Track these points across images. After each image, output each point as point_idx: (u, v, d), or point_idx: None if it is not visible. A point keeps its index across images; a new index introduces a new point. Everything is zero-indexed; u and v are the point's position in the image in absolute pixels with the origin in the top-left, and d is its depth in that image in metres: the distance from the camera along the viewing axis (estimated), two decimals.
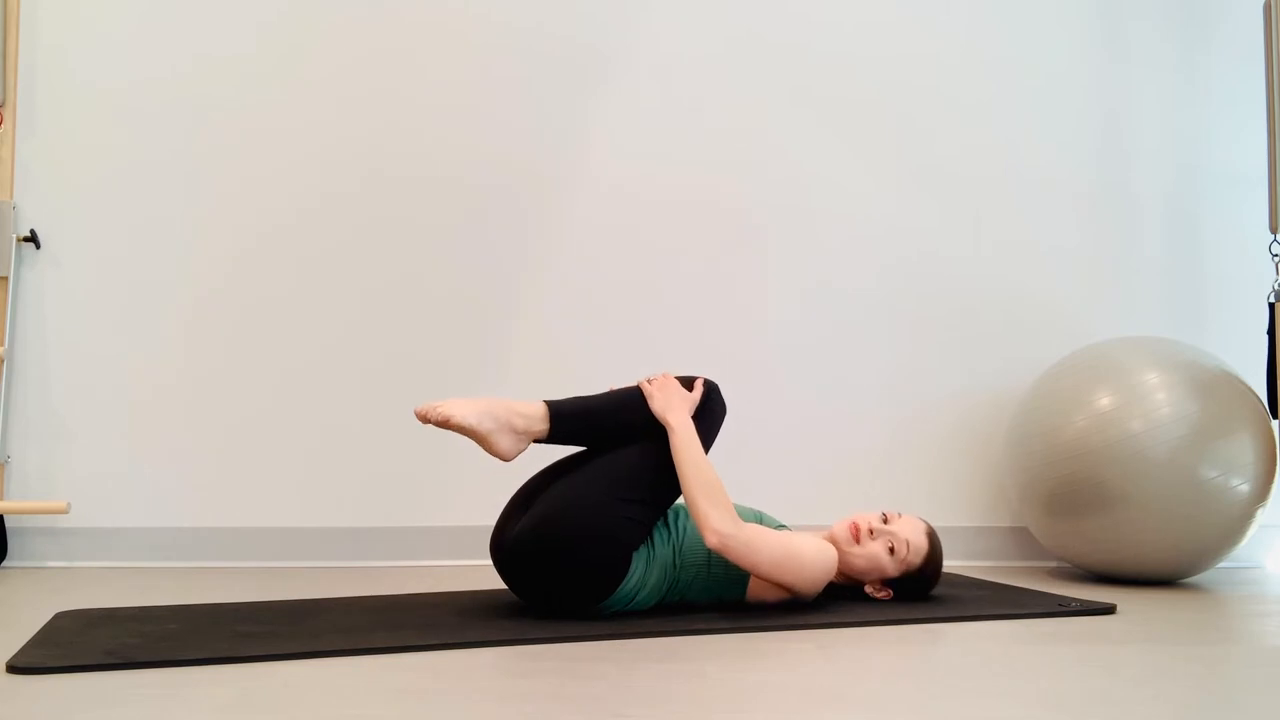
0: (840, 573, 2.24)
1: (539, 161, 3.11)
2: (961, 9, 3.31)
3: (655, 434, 2.12)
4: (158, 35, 2.99)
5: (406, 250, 3.05)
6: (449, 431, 2.06)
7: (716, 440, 2.23)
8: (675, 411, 2.12)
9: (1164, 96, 3.38)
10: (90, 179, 2.95)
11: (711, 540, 2.05)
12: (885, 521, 2.26)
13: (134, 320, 2.94)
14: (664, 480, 2.10)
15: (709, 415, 2.20)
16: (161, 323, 2.95)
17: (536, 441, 2.11)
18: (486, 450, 2.07)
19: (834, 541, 2.24)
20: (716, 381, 2.25)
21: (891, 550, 2.23)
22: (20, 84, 2.93)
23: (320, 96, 3.04)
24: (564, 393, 2.19)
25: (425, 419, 2.02)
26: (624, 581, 2.04)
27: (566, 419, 2.10)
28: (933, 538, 2.28)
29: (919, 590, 2.29)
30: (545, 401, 2.12)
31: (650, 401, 2.14)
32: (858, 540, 2.24)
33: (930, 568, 2.27)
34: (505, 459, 2.08)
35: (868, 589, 2.28)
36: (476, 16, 3.10)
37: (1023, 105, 3.32)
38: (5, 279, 2.87)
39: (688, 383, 2.21)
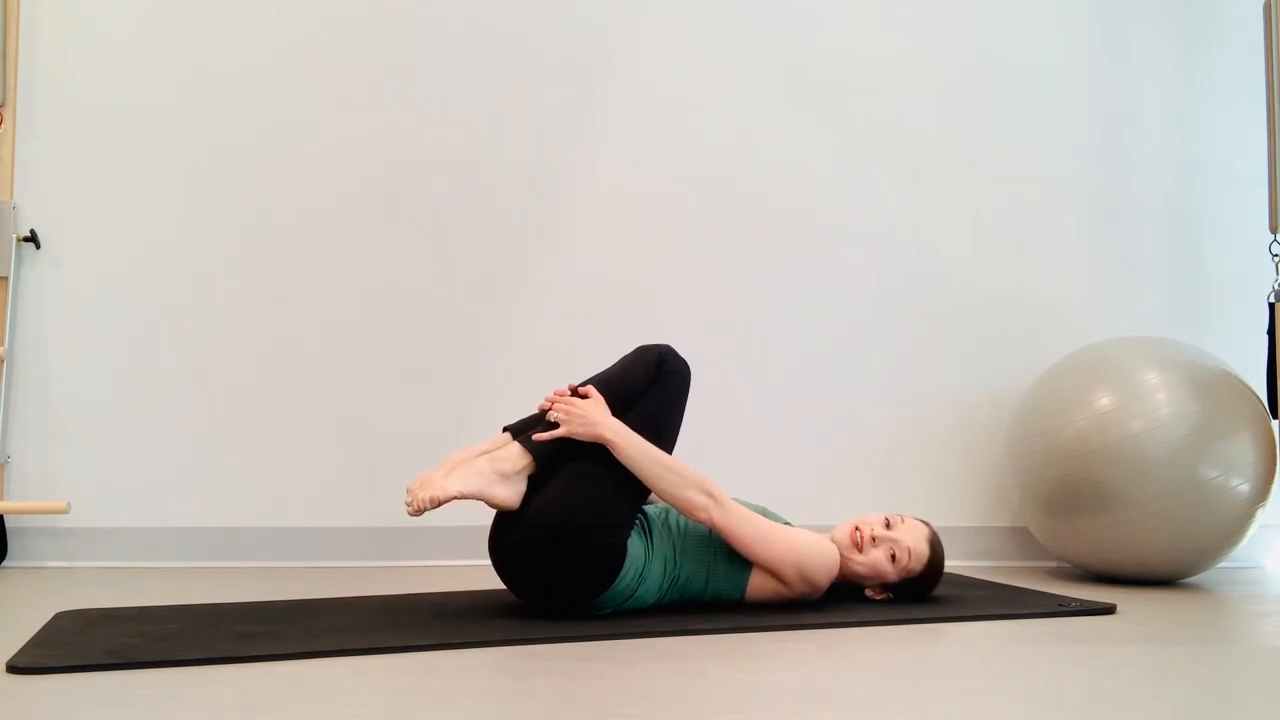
0: (841, 576, 2.24)
1: (539, 161, 3.11)
2: (961, 9, 3.31)
3: (624, 416, 2.10)
4: (158, 35, 2.99)
5: (407, 250, 3.05)
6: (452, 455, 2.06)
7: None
8: (603, 426, 2.06)
9: (1164, 96, 3.38)
10: (90, 179, 2.95)
11: (703, 516, 2.07)
12: (888, 526, 2.26)
13: (134, 320, 2.94)
14: None
15: (675, 380, 2.17)
16: (162, 323, 2.95)
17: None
18: (491, 506, 2.05)
19: (835, 545, 2.24)
20: (676, 349, 2.22)
21: (893, 557, 2.22)
22: (20, 84, 2.92)
23: (320, 96, 3.04)
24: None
25: (421, 512, 1.99)
26: (622, 573, 2.04)
27: (542, 446, 2.07)
28: (935, 544, 2.28)
29: (919, 593, 2.29)
30: (512, 436, 2.09)
31: (569, 432, 2.06)
32: (859, 549, 2.23)
33: (930, 573, 2.27)
34: (512, 507, 2.04)
35: (868, 592, 2.28)
36: (477, 17, 3.10)
37: (1023, 105, 3.32)
38: (5, 279, 2.87)
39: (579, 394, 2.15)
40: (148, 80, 2.98)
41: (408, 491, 2.01)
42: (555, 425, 2.08)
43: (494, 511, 2.15)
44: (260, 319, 2.99)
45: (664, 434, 2.13)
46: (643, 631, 1.93)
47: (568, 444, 2.07)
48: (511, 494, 2.04)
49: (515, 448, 2.07)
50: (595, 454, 2.06)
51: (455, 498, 2.00)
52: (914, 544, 2.24)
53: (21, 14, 2.93)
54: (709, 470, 2.13)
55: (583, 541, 2.01)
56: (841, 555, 2.22)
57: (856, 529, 2.24)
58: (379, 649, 1.77)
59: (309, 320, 3.00)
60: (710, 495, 2.09)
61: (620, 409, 2.11)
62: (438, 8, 3.09)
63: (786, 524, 2.25)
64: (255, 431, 2.96)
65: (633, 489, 2.08)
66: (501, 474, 2.04)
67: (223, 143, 3.00)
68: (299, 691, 1.50)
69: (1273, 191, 2.81)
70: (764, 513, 2.24)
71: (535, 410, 2.17)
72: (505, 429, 2.14)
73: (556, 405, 2.10)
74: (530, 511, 2.03)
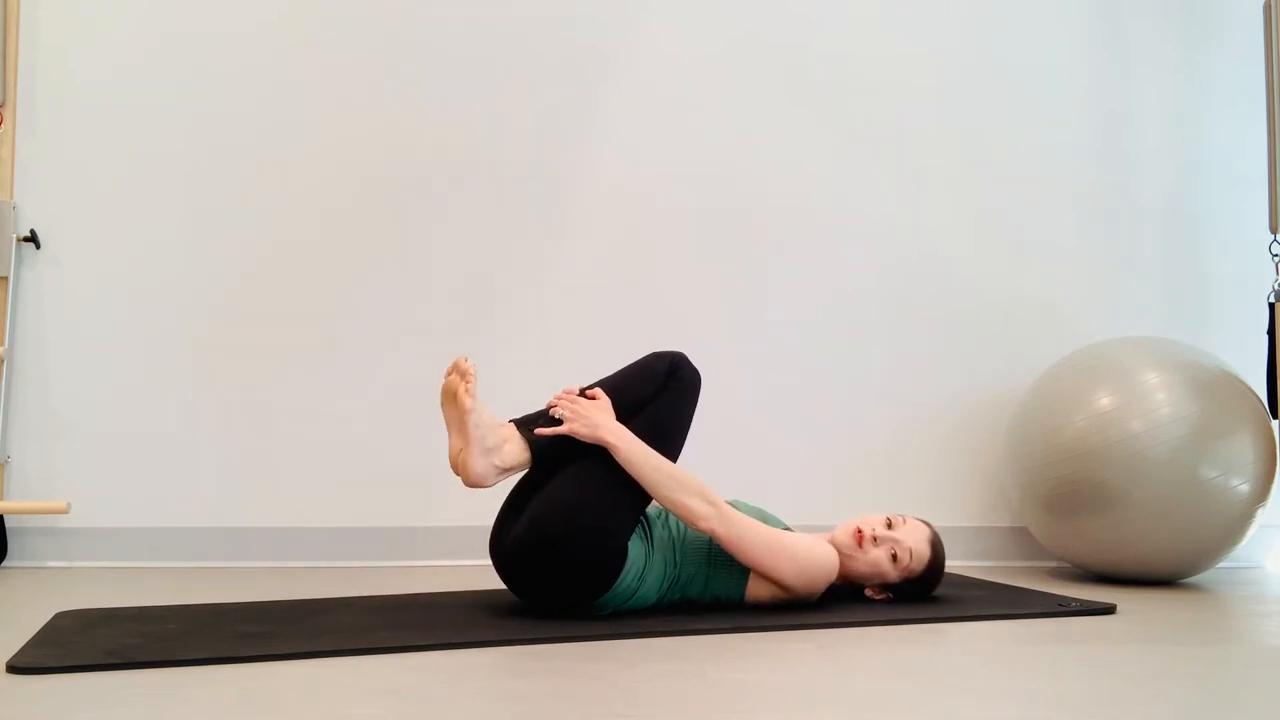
0: (841, 575, 2.24)
1: (539, 162, 3.11)
2: (961, 9, 3.31)
3: (631, 420, 2.10)
4: (158, 35, 2.99)
5: (406, 250, 3.05)
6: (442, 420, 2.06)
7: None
8: (605, 428, 2.05)
9: (1164, 96, 3.38)
10: (90, 179, 2.95)
11: (704, 525, 2.06)
12: (889, 526, 2.26)
13: (134, 320, 2.94)
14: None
15: (684, 388, 2.16)
16: (161, 323, 2.95)
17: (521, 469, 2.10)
18: (456, 461, 2.03)
19: (836, 545, 2.24)
20: (688, 355, 2.22)
21: (894, 557, 2.22)
22: (20, 84, 2.93)
23: (320, 97, 3.04)
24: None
25: (455, 379, 2.00)
26: (622, 575, 2.04)
27: (545, 446, 2.07)
28: (935, 544, 2.28)
29: (919, 593, 2.29)
30: (516, 428, 2.09)
31: (571, 430, 2.05)
32: (860, 548, 2.23)
33: (931, 573, 2.27)
34: (472, 481, 2.03)
35: (868, 592, 2.28)
36: (477, 17, 3.10)
37: (1023, 106, 3.32)
38: (5, 279, 2.87)
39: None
40: (148, 80, 2.98)
41: (460, 366, 2.02)
42: (558, 422, 2.08)
43: (495, 511, 2.15)
44: (260, 319, 2.99)
45: (670, 441, 2.13)
46: (643, 631, 1.93)
47: (568, 445, 2.07)
48: (487, 475, 2.04)
49: (518, 440, 2.07)
50: (597, 456, 2.06)
51: (461, 416, 2.00)
52: (915, 544, 2.24)
53: (21, 14, 2.93)
54: (709, 469, 2.13)
55: (583, 543, 2.00)
56: (842, 555, 2.22)
57: (858, 529, 2.24)
58: (379, 649, 1.77)
59: (309, 320, 3.00)
60: (712, 504, 2.07)
61: (628, 413, 2.11)
62: (438, 8, 3.09)
63: (785, 527, 2.25)
64: (255, 431, 2.96)
65: (634, 491, 2.07)
66: (499, 464, 2.04)
67: (223, 143, 3.00)
68: (299, 691, 1.50)
69: (1273, 191, 2.81)
70: (761, 515, 2.24)
71: (543, 406, 2.16)
72: (512, 420, 2.14)
73: (562, 403, 2.10)
74: (531, 513, 2.03)
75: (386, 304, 3.03)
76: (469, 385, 2.00)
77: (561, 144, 3.12)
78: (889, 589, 2.26)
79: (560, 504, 2.02)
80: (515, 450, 2.07)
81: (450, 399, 2.04)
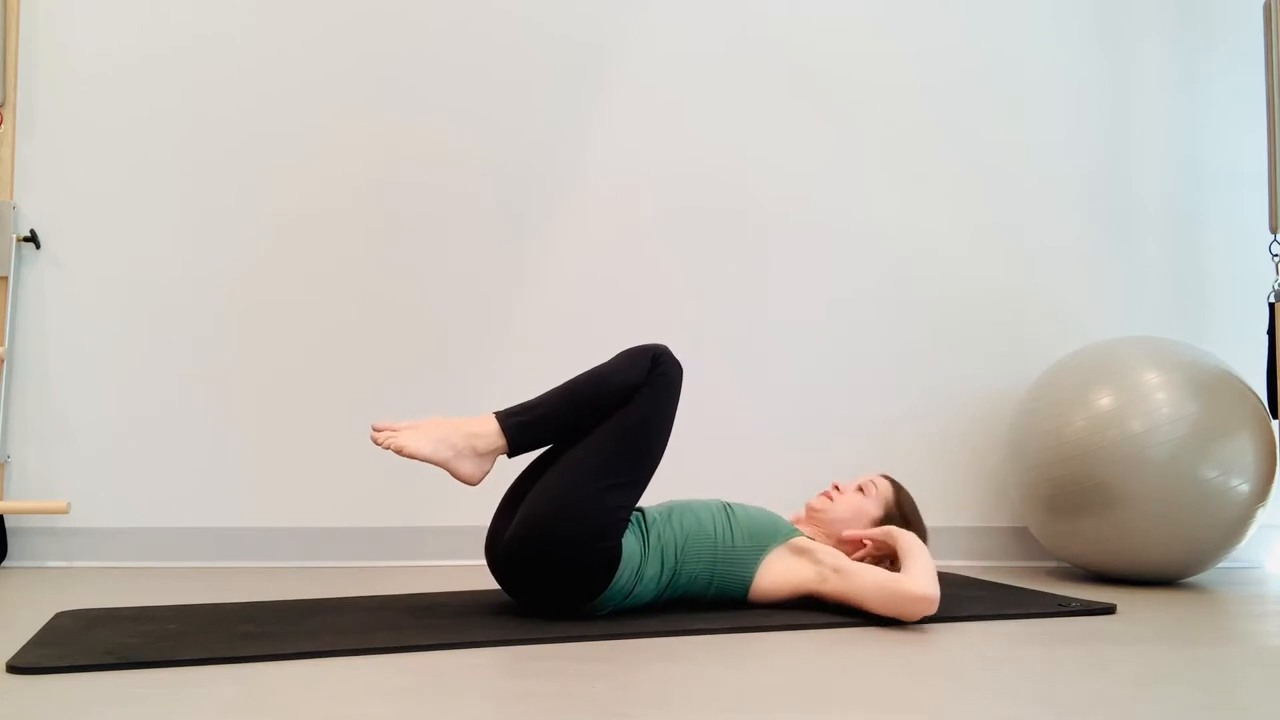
0: (832, 538, 2.27)
1: (537, 164, 3.11)
2: (961, 9, 3.31)
3: (613, 415, 2.08)
4: (159, 35, 2.99)
5: (405, 253, 3.05)
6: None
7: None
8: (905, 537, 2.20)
9: (1164, 96, 3.38)
10: (90, 179, 2.95)
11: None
12: (835, 488, 2.35)
13: (134, 320, 2.94)
14: (636, 457, 2.07)
15: (667, 382, 2.12)
16: (161, 323, 2.95)
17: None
18: (453, 476, 2.05)
19: (812, 518, 2.31)
20: (672, 351, 2.18)
21: (861, 489, 2.30)
22: (20, 84, 2.93)
23: (319, 100, 3.04)
24: None
25: (378, 444, 2.00)
26: (619, 573, 2.03)
27: (522, 430, 2.06)
28: (889, 478, 2.35)
29: (909, 519, 2.31)
30: (495, 416, 2.08)
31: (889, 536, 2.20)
32: (831, 499, 2.30)
33: (905, 497, 2.33)
34: (472, 483, 2.05)
35: (861, 553, 2.25)
36: (473, 20, 3.10)
37: (1023, 105, 3.32)
38: (5, 279, 2.88)
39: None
40: (148, 80, 2.98)
41: (378, 427, 2.01)
42: None
43: (493, 512, 2.15)
44: (260, 319, 2.99)
45: (654, 436, 2.10)
46: (643, 631, 1.93)
47: (550, 439, 2.08)
48: (475, 471, 2.04)
49: (492, 425, 2.05)
50: (586, 454, 2.05)
51: (421, 459, 2.00)
52: (871, 478, 2.33)
53: (21, 14, 2.94)
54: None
55: (577, 548, 1.99)
56: (819, 520, 2.29)
57: (817, 497, 2.33)
58: (379, 649, 1.77)
59: (308, 320, 3.00)
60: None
61: (612, 408, 2.09)
62: (437, 12, 3.09)
63: (792, 530, 2.24)
64: (255, 431, 2.96)
65: (628, 489, 2.06)
66: (475, 450, 2.03)
67: (223, 143, 3.00)
68: (299, 691, 1.50)
69: (1273, 191, 2.81)
70: (773, 523, 2.23)
71: (532, 398, 2.15)
72: (494, 413, 2.12)
73: (865, 544, 2.23)
74: (522, 516, 2.02)
75: (386, 305, 3.03)
76: (399, 447, 1.99)
77: (558, 146, 3.12)
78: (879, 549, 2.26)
79: (552, 507, 2.00)
80: (493, 436, 2.05)
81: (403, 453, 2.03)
